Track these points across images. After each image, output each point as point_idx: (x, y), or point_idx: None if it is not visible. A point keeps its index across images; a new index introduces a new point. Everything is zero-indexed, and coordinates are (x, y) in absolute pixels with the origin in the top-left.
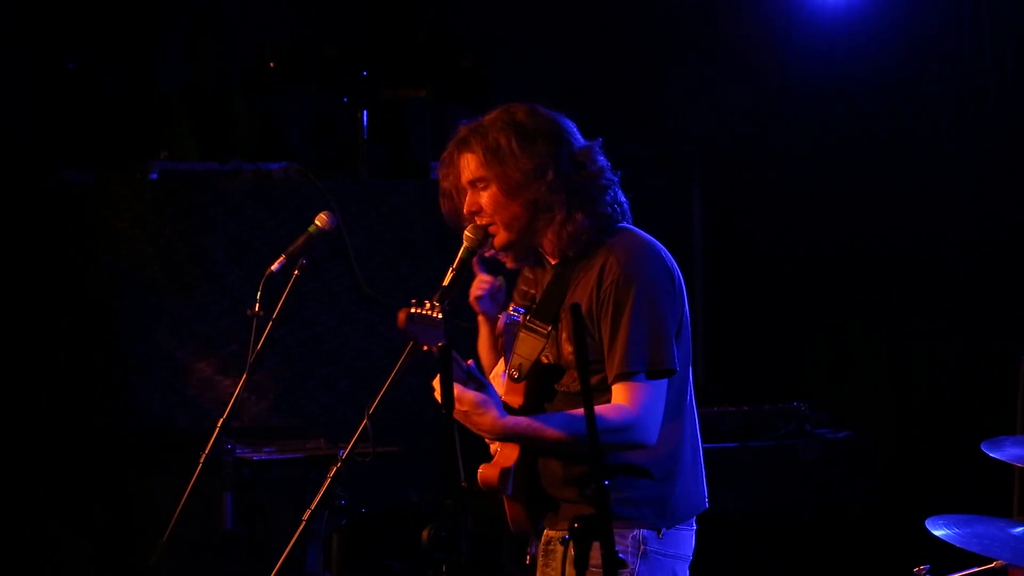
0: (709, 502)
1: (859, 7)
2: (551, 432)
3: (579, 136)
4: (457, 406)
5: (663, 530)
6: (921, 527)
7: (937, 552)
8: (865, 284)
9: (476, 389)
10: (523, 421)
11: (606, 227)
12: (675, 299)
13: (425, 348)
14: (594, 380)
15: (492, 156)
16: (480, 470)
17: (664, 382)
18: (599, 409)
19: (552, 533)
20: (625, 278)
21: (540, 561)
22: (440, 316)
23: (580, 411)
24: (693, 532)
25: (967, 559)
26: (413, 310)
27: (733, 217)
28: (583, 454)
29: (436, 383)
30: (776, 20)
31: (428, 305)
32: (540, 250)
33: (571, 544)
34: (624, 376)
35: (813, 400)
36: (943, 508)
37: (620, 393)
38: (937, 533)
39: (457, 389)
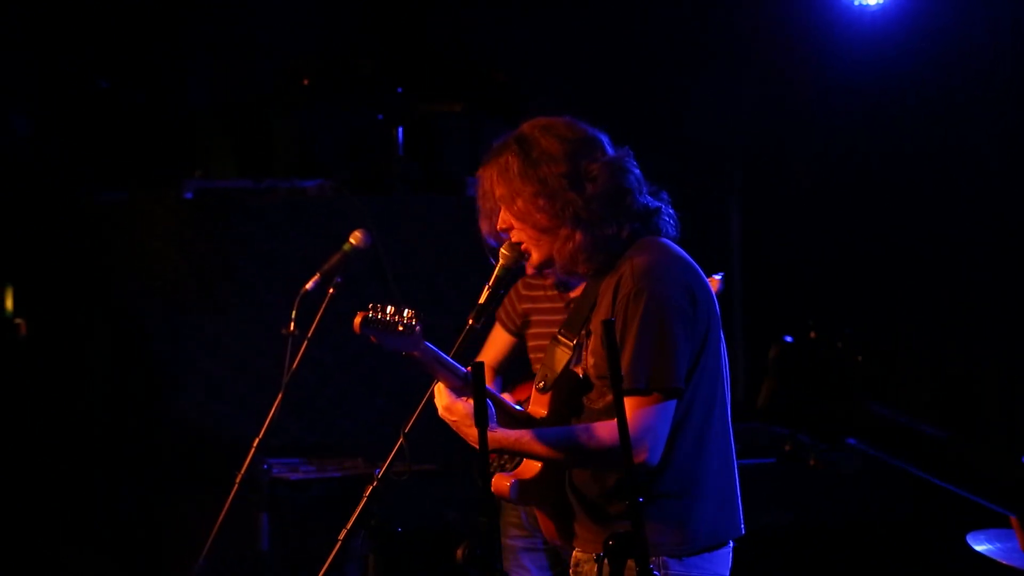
0: (748, 517)
1: (897, 13)
2: (539, 447)
3: (606, 148)
4: (447, 415)
5: (683, 557)
6: (962, 542)
7: (978, 566)
8: (904, 293)
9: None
10: (512, 434)
11: (612, 243)
12: (691, 318)
13: (404, 354)
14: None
15: (503, 177)
16: (494, 478)
17: (671, 402)
18: (595, 426)
19: (579, 554)
20: (636, 292)
21: None
22: (404, 321)
23: (572, 427)
24: (729, 549)
25: (1009, 574)
26: (370, 314)
27: (772, 226)
28: (600, 471)
29: (436, 390)
30: (813, 28)
31: (391, 310)
32: None
33: (605, 562)
34: (626, 392)
35: None
36: (984, 523)
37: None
38: (978, 548)
39: (448, 398)
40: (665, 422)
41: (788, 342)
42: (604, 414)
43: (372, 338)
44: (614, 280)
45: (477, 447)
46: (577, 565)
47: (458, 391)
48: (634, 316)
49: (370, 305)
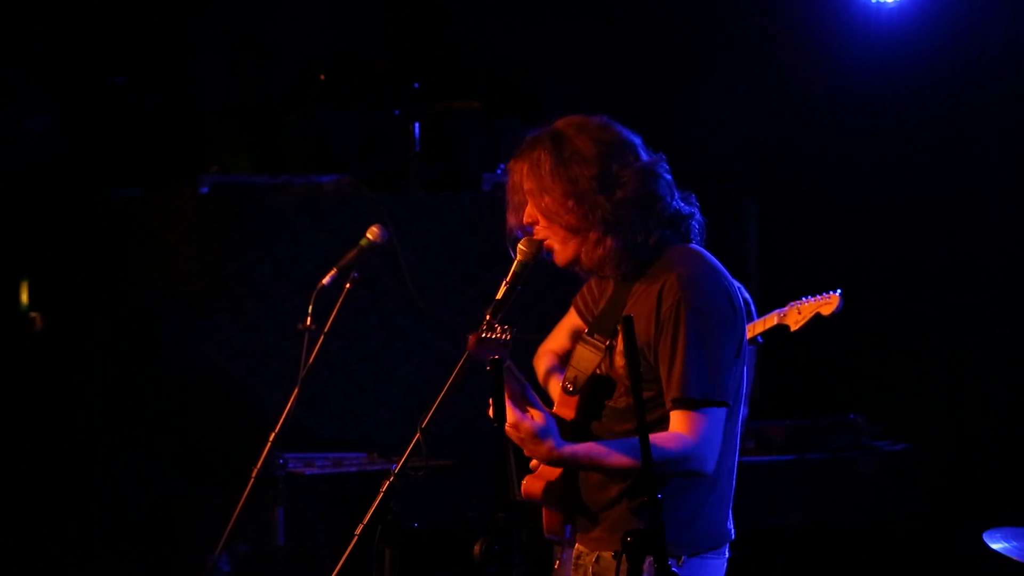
0: (766, 516)
1: (914, 11)
2: (612, 461)
3: (639, 152)
4: (513, 432)
5: (684, 558)
6: (979, 540)
7: (995, 565)
8: (920, 295)
9: (532, 408)
10: (581, 449)
11: (640, 250)
12: (735, 325)
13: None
14: (644, 395)
15: (533, 172)
16: (524, 482)
17: (723, 411)
18: (658, 437)
19: (581, 548)
20: (685, 301)
21: (572, 573)
22: (508, 337)
23: (637, 439)
24: (723, 561)
25: None
26: (484, 335)
27: (788, 230)
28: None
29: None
30: (830, 26)
31: (499, 329)
32: None
33: (623, 559)
34: (682, 403)
35: (869, 413)
36: (1001, 521)
37: (678, 421)
38: (995, 546)
39: (515, 415)
40: (719, 431)
41: None
42: (625, 412)
43: (480, 358)
44: (654, 285)
45: (543, 463)
46: (579, 558)
47: (516, 399)
48: (686, 326)
49: (483, 326)
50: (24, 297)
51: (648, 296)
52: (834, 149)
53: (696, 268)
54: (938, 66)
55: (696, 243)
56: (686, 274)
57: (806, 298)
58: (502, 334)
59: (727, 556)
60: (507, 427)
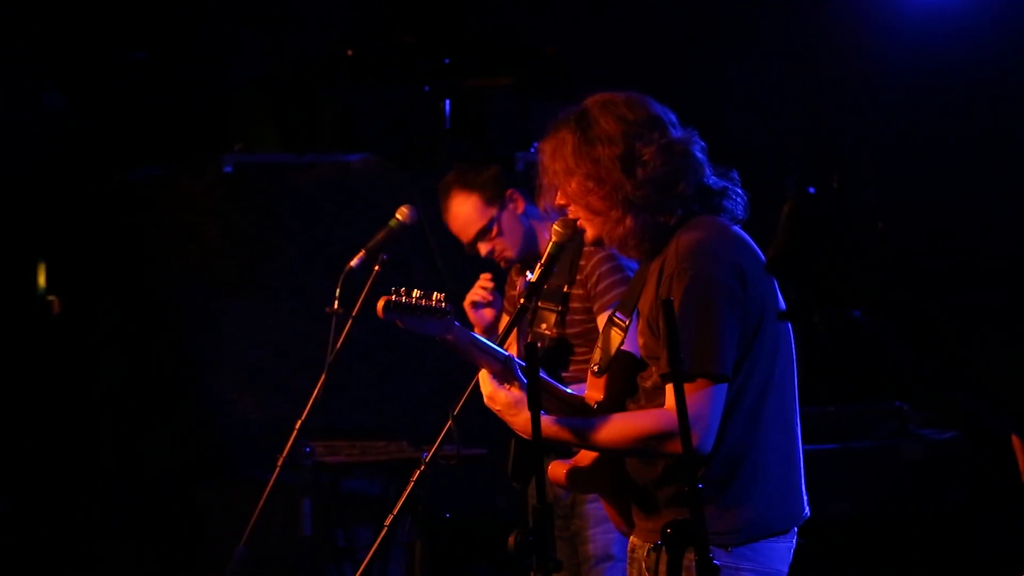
0: (811, 504)
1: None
2: (582, 437)
3: (668, 128)
4: (491, 404)
5: (731, 547)
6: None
7: None
8: (962, 279)
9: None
10: (553, 424)
11: (661, 230)
12: (740, 298)
13: (438, 340)
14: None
15: (559, 153)
16: (551, 466)
17: (720, 387)
18: (640, 415)
19: (635, 541)
20: (679, 273)
21: (628, 567)
22: (432, 304)
23: (615, 415)
24: (788, 545)
25: None
26: (393, 298)
27: None
28: (646, 459)
29: (480, 377)
30: (873, 9)
31: (418, 294)
32: None
33: (663, 551)
34: (668, 377)
35: (914, 400)
36: None
37: (668, 396)
38: None
39: (491, 386)
40: (716, 408)
41: (810, 193)
42: (652, 393)
43: (398, 323)
44: (661, 260)
45: (523, 436)
46: (633, 551)
47: (500, 376)
48: (677, 297)
49: (393, 289)
50: (42, 280)
51: (656, 270)
52: (878, 131)
53: (698, 236)
54: (986, 46)
55: (732, 217)
56: (685, 243)
57: None
58: (421, 300)
59: (792, 542)
60: (485, 399)
